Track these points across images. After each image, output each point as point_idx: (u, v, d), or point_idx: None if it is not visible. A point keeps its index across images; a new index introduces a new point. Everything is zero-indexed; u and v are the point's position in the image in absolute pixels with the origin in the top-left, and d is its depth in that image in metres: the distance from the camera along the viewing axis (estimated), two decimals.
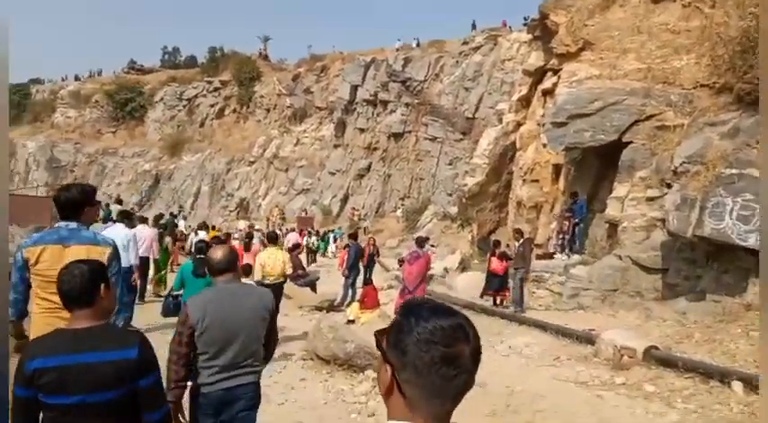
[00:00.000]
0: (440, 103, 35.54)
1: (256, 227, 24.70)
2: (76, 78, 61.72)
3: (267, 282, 8.64)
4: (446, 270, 16.57)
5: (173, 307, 7.34)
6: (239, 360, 3.07)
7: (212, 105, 50.61)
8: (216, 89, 50.63)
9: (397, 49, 39.89)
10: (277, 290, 8.93)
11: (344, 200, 38.46)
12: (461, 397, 1.08)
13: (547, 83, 16.52)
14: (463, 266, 17.06)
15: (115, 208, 21.30)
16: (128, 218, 9.39)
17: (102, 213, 22.94)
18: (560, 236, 13.86)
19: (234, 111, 49.79)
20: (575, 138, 12.08)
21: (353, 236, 14.80)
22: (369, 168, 38.25)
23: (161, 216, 22.99)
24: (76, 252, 3.05)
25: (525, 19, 32.28)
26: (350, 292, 12.35)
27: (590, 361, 7.44)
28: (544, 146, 14.28)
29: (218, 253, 3.18)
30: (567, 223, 13.62)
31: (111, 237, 8.51)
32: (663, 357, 6.92)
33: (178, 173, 47.93)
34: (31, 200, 10.30)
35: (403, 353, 1.06)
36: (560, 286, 11.82)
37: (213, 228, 22.70)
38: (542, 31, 17.37)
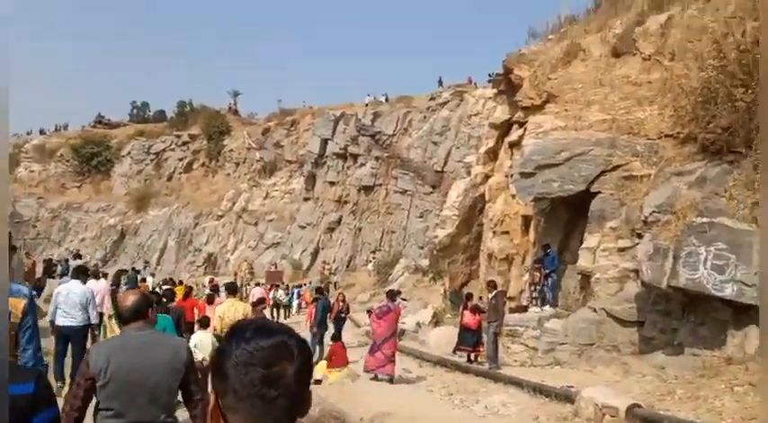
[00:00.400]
0: (409, 157, 35.84)
1: (224, 281, 23.75)
2: (41, 132, 60.67)
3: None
4: (418, 325, 16.09)
5: None
6: (147, 418, 2.69)
7: (181, 159, 50.10)
8: (184, 143, 50.26)
9: (367, 104, 40.46)
10: None
11: (315, 254, 37.84)
12: (288, 421, 1.04)
13: (513, 135, 16.65)
14: (436, 320, 16.61)
15: (75, 263, 20.42)
16: (83, 274, 8.81)
17: (59, 268, 21.97)
18: (533, 288, 13.59)
19: (203, 164, 49.33)
20: (543, 188, 12.01)
21: (321, 290, 14.28)
22: (339, 222, 37.92)
23: (123, 272, 22.06)
24: None
25: (490, 75, 33.08)
26: (317, 349, 11.74)
27: (570, 421, 7.00)
28: (513, 197, 14.22)
29: (128, 299, 2.96)
30: (538, 275, 13.39)
31: (69, 294, 8.02)
32: (647, 416, 6.54)
33: (144, 228, 46.77)
34: None
35: (224, 378, 1.02)
36: (535, 341, 11.43)
37: (180, 283, 21.81)
38: (507, 85, 17.68)
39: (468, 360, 11.66)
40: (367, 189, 37.08)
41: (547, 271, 12.96)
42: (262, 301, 14.20)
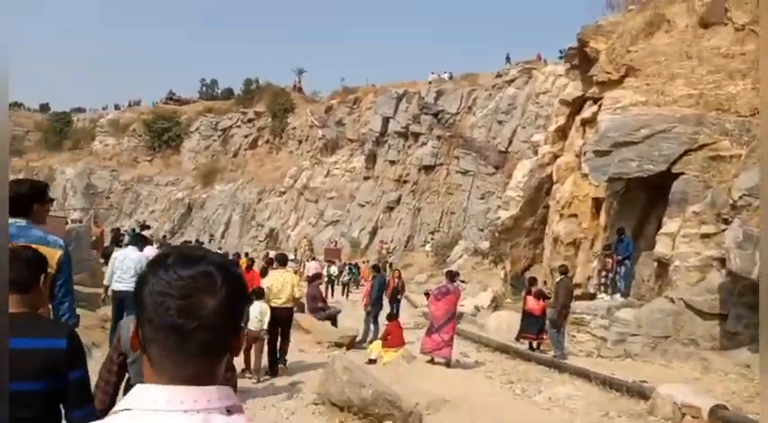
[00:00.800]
0: (472, 136, 34.94)
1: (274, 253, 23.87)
2: (116, 108, 63.32)
3: (273, 305, 7.98)
4: (477, 308, 15.60)
5: None
6: None
7: (246, 136, 51.06)
8: (250, 120, 51.13)
9: (430, 82, 39.64)
10: (284, 315, 8.28)
11: (373, 233, 37.77)
12: (210, 357, 0.96)
13: (586, 112, 15.70)
14: (495, 305, 16.05)
15: (144, 233, 21.06)
16: (141, 240, 8.88)
17: (127, 238, 22.75)
18: (603, 274, 12.80)
19: (267, 141, 50.09)
20: (619, 167, 11.16)
21: (378, 267, 13.99)
22: (398, 201, 37.61)
23: (187, 243, 22.55)
24: None
25: (561, 52, 31.71)
26: (372, 327, 11.50)
27: (645, 419, 6.43)
28: (585, 176, 13.38)
29: None
30: (610, 261, 12.59)
31: (125, 259, 8.12)
32: (734, 419, 5.88)
33: (210, 202, 48.15)
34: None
35: (143, 308, 0.96)
36: (604, 330, 10.73)
37: (246, 255, 22.05)
38: (581, 59, 16.65)
39: (530, 347, 11.12)
40: (427, 169, 36.52)
41: (619, 257, 12.15)
42: (318, 276, 14.19)
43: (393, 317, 10.46)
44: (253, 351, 7.88)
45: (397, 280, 13.51)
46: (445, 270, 14.13)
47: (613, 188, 13.08)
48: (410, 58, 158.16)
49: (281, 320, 8.24)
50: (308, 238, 37.97)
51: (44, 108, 69.77)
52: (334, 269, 24.22)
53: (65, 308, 2.97)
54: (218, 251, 25.74)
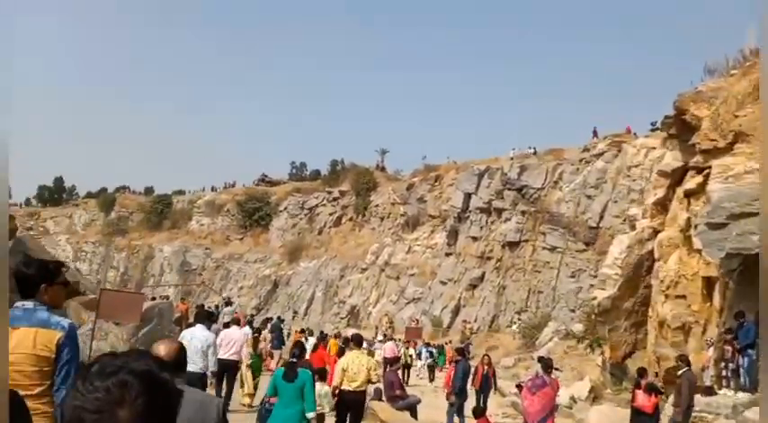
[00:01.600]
0: (559, 212, 33.61)
1: (363, 334, 22.81)
2: (213, 189, 67.34)
3: (347, 388, 7.41)
4: (573, 400, 14.04)
5: (265, 414, 6.85)
6: None
7: (331, 214, 52.29)
8: (335, 199, 52.53)
9: (512, 158, 39.11)
10: (357, 399, 7.70)
11: (456, 311, 36.38)
12: None
13: (689, 183, 14.43)
14: (594, 396, 14.41)
15: (227, 310, 21.30)
16: (207, 319, 8.64)
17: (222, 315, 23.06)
18: (722, 365, 11.15)
19: (350, 219, 50.96)
20: (739, 242, 9.86)
21: (462, 351, 12.98)
22: (482, 278, 36.28)
23: (268, 320, 22.52)
24: (23, 335, 2.79)
25: (653, 124, 30.42)
26: (456, 420, 10.44)
27: None
28: (693, 252, 12.01)
29: (160, 349, 2.72)
30: (729, 349, 10.98)
31: (192, 339, 7.87)
32: None
33: (295, 278, 48.89)
34: (119, 295, 10.07)
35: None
36: None
37: (337, 336, 19.90)
38: (679, 128, 15.62)
39: None
40: (512, 245, 35.25)
41: (740, 345, 10.57)
42: (397, 359, 13.37)
43: (480, 412, 9.38)
44: None
45: (486, 367, 12.35)
46: (537, 356, 12.89)
47: (729, 266, 11.61)
48: (492, 134, 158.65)
49: (354, 404, 7.71)
50: (389, 316, 37.20)
51: (149, 191, 75.51)
52: (412, 351, 21.92)
53: (61, 396, 2.72)
54: (311, 336, 24.00)
